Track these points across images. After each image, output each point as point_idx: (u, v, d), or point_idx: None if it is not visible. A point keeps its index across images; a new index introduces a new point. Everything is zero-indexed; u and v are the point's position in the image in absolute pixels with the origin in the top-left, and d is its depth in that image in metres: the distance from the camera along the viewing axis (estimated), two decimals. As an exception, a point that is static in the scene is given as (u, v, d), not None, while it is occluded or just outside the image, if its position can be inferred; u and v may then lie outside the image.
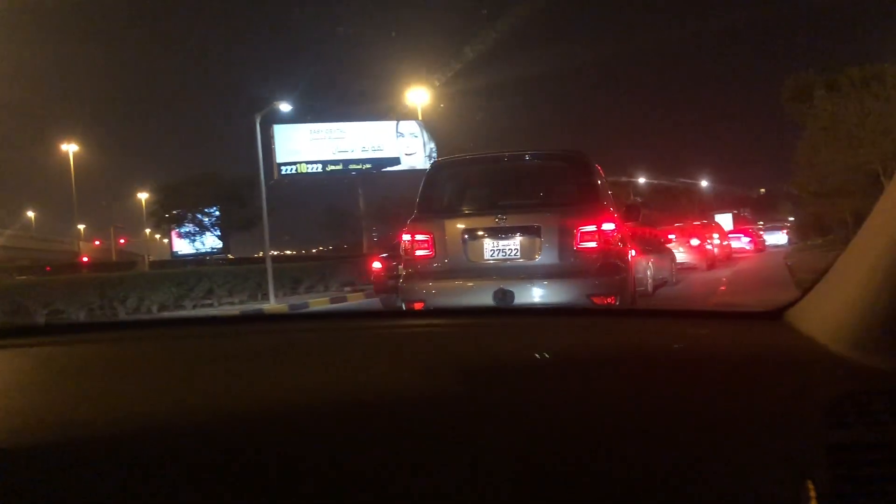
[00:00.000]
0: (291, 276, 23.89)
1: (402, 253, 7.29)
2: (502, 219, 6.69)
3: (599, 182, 7.20)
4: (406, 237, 6.98)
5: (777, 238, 48.81)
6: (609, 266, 6.56)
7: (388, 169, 46.44)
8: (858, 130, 28.07)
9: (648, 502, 1.08)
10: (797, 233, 49.23)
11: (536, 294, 6.48)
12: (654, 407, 1.22)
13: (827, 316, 1.34)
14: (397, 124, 46.16)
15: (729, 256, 31.73)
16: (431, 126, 44.57)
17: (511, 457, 1.12)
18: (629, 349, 1.54)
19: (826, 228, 40.44)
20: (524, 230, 6.65)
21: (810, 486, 1.07)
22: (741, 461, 1.11)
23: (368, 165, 46.89)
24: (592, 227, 6.53)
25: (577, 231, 6.51)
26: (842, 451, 1.09)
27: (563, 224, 6.57)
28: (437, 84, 44.77)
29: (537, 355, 1.47)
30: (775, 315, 1.56)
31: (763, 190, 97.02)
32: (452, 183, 7.71)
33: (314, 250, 70.02)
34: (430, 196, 7.37)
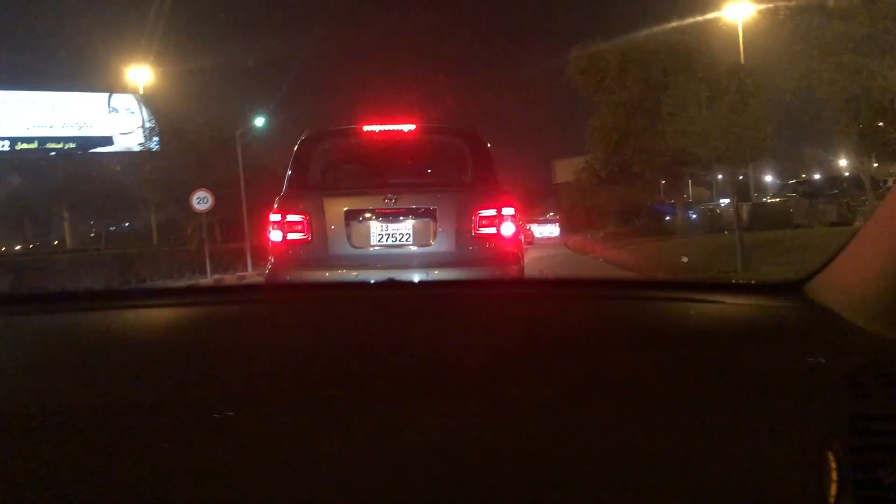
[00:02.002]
0: None
1: (269, 237, 6.14)
2: (392, 199, 6.01)
3: (494, 162, 6.69)
4: (275, 217, 6.08)
5: (550, 230, 52.09)
6: (509, 254, 6.10)
7: (99, 150, 39.84)
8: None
9: (669, 474, 1.09)
10: (566, 226, 49.63)
11: None
12: (673, 379, 1.22)
13: (847, 288, 1.37)
14: (110, 97, 39.45)
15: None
16: (154, 102, 37.47)
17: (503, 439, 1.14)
18: (644, 323, 1.55)
19: (596, 221, 38.48)
20: (418, 213, 6.06)
21: (831, 457, 1.09)
22: (762, 433, 1.11)
23: (73, 145, 40.43)
24: (492, 212, 6.03)
25: (476, 215, 6.00)
26: (863, 422, 1.11)
27: (461, 207, 6.05)
28: (163, 59, 38.06)
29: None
30: (795, 287, 1.56)
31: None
32: (332, 156, 7.17)
33: (17, 247, 58.38)
34: (305, 170, 6.56)
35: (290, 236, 6.08)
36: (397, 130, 6.58)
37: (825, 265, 1.47)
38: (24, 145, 38.90)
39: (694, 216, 32.96)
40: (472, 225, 5.99)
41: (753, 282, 2.07)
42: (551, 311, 1.63)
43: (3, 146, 38.42)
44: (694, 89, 25.00)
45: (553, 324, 1.51)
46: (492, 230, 6.00)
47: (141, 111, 37.81)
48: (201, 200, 22.49)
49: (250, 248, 26.62)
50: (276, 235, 6.11)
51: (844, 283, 1.39)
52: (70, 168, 38.85)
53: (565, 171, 48.37)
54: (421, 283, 4.19)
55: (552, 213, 56.69)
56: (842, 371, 1.18)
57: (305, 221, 6.06)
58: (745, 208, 23.72)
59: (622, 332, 1.46)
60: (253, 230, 25.86)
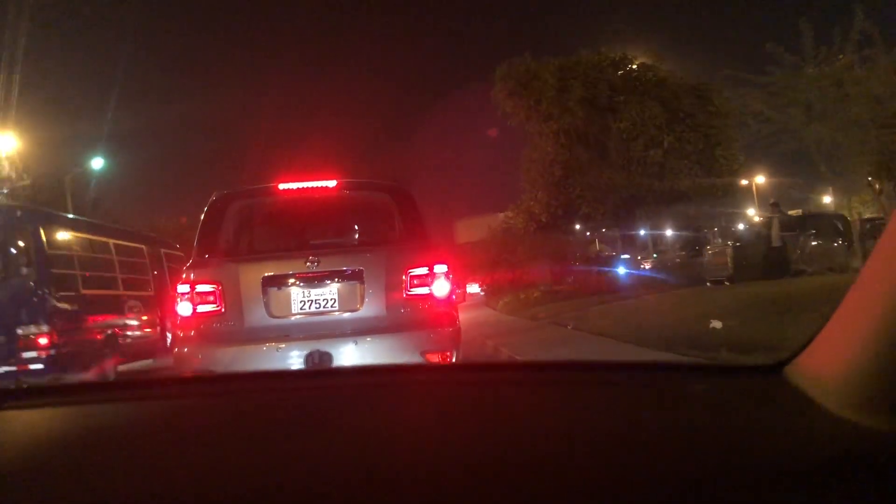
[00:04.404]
0: None
1: (177, 310, 5.68)
2: (315, 262, 5.68)
3: (423, 217, 6.39)
4: (182, 288, 5.67)
5: (473, 288, 49.42)
6: (444, 315, 5.79)
7: None
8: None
9: None
10: (482, 285, 46.11)
11: (359, 354, 5.44)
12: (645, 465, 1.18)
13: (825, 373, 1.33)
14: None
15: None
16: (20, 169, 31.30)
17: None
18: (621, 408, 1.51)
19: (523, 278, 33.62)
20: (343, 275, 5.73)
21: None
22: None
23: None
24: (424, 270, 5.74)
25: (407, 275, 5.72)
26: None
27: (390, 266, 5.76)
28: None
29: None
30: (774, 370, 1.52)
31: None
32: (246, 218, 6.65)
33: None
34: (216, 234, 6.10)
35: (201, 308, 5.61)
36: (317, 188, 6.19)
37: (804, 346, 1.43)
38: None
39: (626, 270, 28.66)
40: (403, 285, 5.72)
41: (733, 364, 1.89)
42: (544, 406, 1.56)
43: None
44: (650, 111, 20.85)
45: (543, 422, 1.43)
46: (424, 290, 5.73)
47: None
48: None
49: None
50: (184, 308, 5.63)
51: (822, 366, 1.35)
52: None
53: (470, 230, 45.27)
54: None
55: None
56: (816, 459, 1.16)
57: (218, 291, 5.63)
58: (729, 251, 19.02)
59: (593, 423, 1.40)
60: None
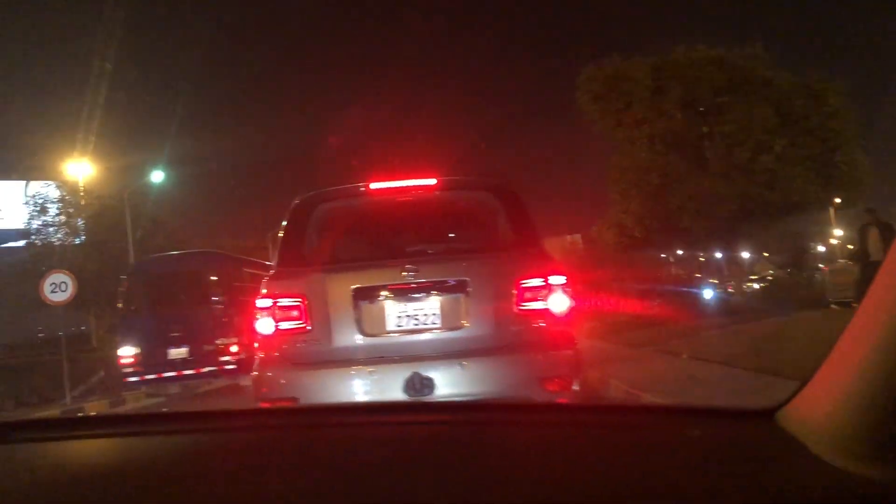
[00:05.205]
0: None
1: (257, 328, 5.15)
2: (412, 271, 5.13)
3: (534, 221, 5.73)
4: (264, 303, 5.14)
5: None
6: (562, 335, 5.09)
7: (11, 244, 33.40)
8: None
9: None
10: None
11: (466, 379, 4.84)
12: None
13: (816, 419, 1.32)
14: (27, 185, 33.75)
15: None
16: (90, 192, 31.08)
17: None
18: (609, 454, 1.47)
19: (602, 300, 31.47)
20: (445, 287, 5.13)
21: None
22: None
23: (-18, 239, 34.55)
24: (538, 282, 5.07)
25: (518, 287, 5.06)
26: None
27: (498, 277, 5.12)
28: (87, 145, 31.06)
29: None
30: (767, 415, 1.49)
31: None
32: (333, 223, 6.01)
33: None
34: (300, 241, 5.66)
35: (284, 325, 5.10)
36: (413, 187, 5.66)
37: (797, 391, 1.40)
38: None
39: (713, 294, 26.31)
40: (514, 299, 5.05)
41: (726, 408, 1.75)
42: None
43: None
44: (760, 113, 18.69)
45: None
46: (539, 305, 5.03)
47: (68, 201, 31.90)
48: (57, 288, 15.22)
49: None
50: (264, 325, 5.10)
51: (813, 411, 1.33)
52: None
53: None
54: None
55: None
56: None
57: (303, 306, 5.12)
58: (853, 269, 16.82)
59: (582, 468, 1.37)
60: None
